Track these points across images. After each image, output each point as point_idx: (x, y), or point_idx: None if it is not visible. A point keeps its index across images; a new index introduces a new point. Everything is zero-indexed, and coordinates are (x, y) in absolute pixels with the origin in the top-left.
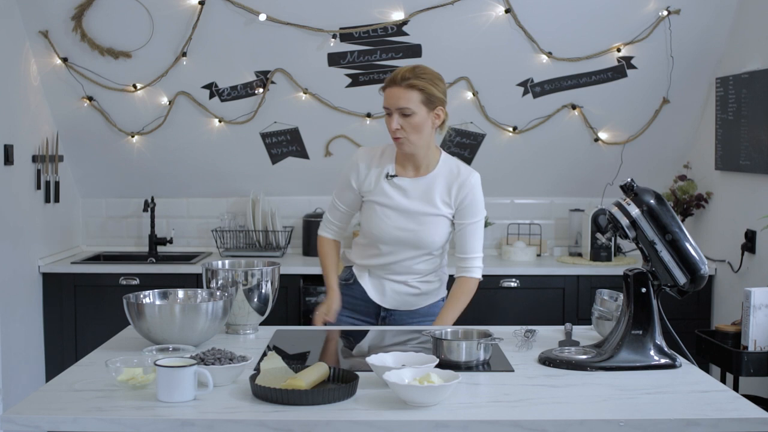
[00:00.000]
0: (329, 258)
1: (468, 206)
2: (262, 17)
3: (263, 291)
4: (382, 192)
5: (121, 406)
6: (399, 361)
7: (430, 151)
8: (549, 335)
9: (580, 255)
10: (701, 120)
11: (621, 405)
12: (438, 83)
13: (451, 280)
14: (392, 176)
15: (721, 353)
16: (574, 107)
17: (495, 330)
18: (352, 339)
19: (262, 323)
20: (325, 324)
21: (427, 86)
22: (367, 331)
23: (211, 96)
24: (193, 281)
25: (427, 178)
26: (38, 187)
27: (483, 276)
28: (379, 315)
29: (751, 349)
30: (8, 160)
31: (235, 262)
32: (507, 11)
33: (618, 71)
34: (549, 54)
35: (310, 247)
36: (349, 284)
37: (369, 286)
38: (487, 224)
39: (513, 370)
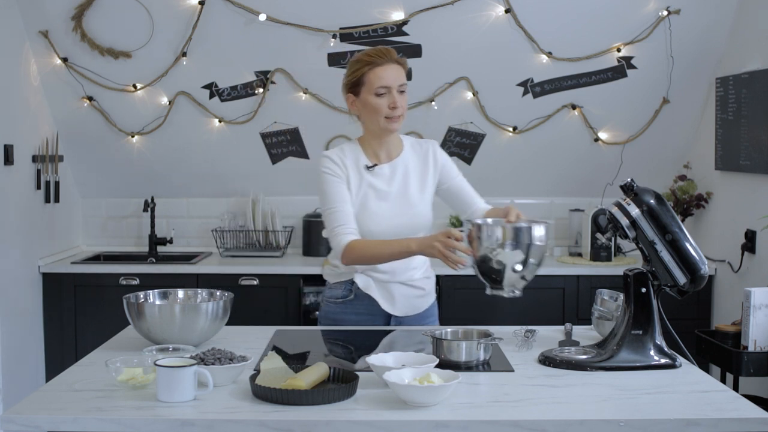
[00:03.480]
0: (375, 241)
1: (446, 166)
2: (262, 17)
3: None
4: (368, 185)
5: (121, 406)
6: (399, 361)
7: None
8: (549, 335)
9: (580, 255)
10: (701, 120)
11: (621, 405)
12: None
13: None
14: (371, 167)
15: (721, 353)
16: (574, 107)
17: (495, 330)
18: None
19: (264, 323)
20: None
21: (407, 65)
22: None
23: (211, 96)
24: (193, 281)
25: (402, 159)
26: (38, 187)
27: None
28: (389, 325)
29: (751, 349)
30: (8, 160)
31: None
32: (507, 11)
33: (618, 71)
34: (549, 54)
35: (310, 247)
36: (347, 301)
37: (378, 295)
38: None
39: (513, 370)
